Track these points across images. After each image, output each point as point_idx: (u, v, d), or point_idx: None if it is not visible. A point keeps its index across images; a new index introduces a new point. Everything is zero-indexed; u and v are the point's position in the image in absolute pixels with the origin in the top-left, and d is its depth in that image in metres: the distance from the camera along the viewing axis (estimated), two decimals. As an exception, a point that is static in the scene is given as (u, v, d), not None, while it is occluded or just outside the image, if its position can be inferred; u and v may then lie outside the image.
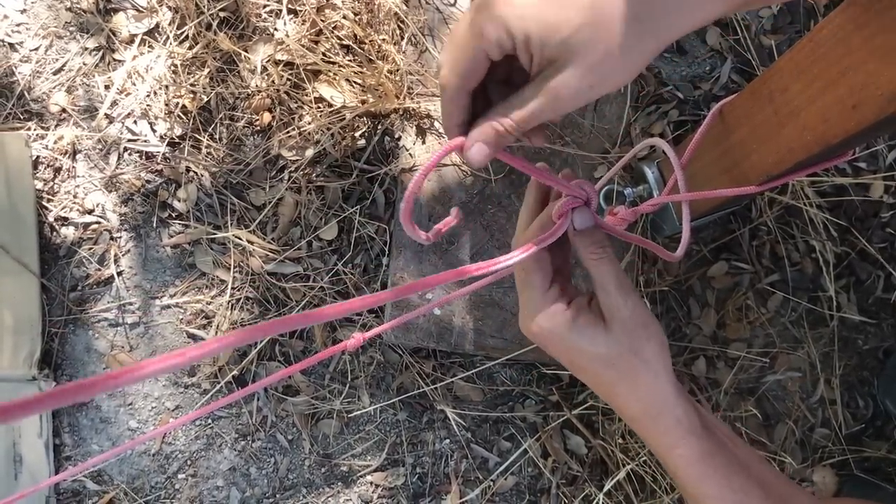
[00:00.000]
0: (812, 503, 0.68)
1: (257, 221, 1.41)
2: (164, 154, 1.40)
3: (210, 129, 1.40)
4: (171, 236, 1.40)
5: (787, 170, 1.02)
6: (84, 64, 1.42)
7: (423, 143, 1.43)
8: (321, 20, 1.42)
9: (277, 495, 1.38)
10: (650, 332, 0.63)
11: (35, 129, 1.38)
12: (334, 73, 1.42)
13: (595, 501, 1.38)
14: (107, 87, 1.41)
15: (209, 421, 1.38)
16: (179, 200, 1.39)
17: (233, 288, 1.39)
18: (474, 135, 0.56)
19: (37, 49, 1.41)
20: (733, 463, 0.63)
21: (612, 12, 0.49)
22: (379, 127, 1.44)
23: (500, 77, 0.57)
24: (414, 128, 1.43)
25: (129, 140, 1.40)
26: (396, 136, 1.44)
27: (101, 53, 1.42)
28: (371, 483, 1.41)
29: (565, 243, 0.68)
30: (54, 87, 1.40)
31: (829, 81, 0.86)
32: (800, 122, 0.94)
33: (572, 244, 0.67)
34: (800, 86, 0.92)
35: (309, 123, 1.41)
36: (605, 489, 1.38)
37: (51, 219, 1.37)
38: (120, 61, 1.42)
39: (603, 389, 0.66)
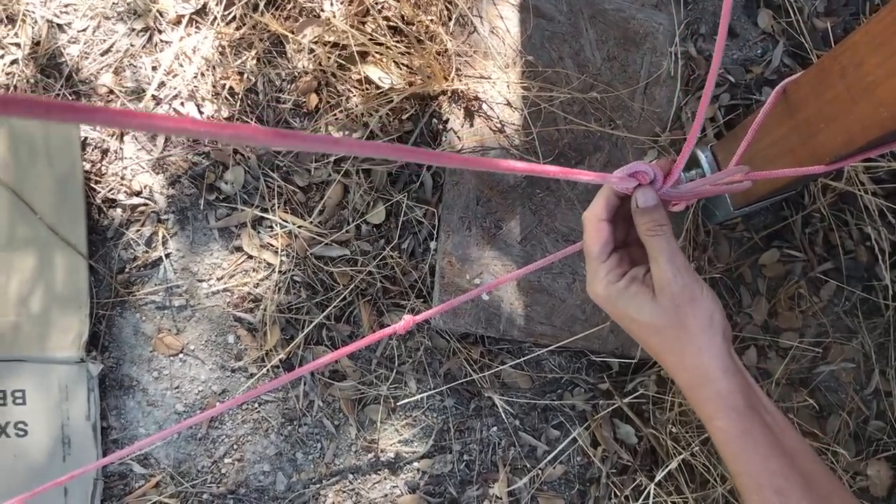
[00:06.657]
0: None
1: (304, 205, 1.40)
2: (210, 136, 1.39)
3: (257, 111, 1.39)
4: (219, 219, 1.39)
5: (857, 149, 0.99)
6: (131, 45, 1.41)
7: (472, 125, 1.41)
8: (368, 0, 1.40)
9: (324, 480, 1.37)
10: (698, 308, 0.66)
11: (83, 111, 1.37)
12: (381, 55, 1.40)
13: (646, 491, 1.35)
14: (154, 69, 1.41)
15: (256, 405, 1.37)
16: (226, 182, 1.38)
17: (280, 271, 1.37)
18: None
19: (84, 30, 1.40)
20: (775, 447, 0.64)
21: None
22: (427, 109, 1.42)
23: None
24: (462, 110, 1.41)
25: (176, 122, 1.39)
26: (444, 118, 1.42)
27: (148, 34, 1.41)
28: (418, 470, 1.39)
29: (629, 219, 0.72)
30: (102, 69, 1.40)
31: (912, 53, 0.83)
32: (875, 97, 0.91)
33: (634, 220, 0.70)
34: (877, 59, 0.89)
35: (356, 105, 1.40)
36: (657, 479, 1.35)
37: (98, 200, 1.36)
38: (167, 42, 1.41)
39: (653, 354, 0.71)
